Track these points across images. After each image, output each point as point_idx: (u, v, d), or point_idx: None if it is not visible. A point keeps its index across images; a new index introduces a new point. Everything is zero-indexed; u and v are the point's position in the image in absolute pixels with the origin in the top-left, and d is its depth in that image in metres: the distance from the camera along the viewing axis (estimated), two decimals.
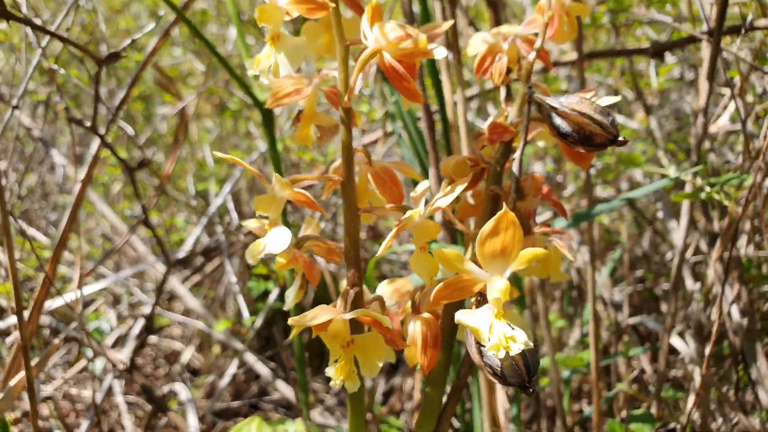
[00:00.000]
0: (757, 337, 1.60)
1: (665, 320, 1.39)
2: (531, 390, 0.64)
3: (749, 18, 1.40)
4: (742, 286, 1.66)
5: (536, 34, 0.74)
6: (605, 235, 2.22)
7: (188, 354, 1.98)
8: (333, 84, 0.71)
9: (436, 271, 0.71)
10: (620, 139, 0.67)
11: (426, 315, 0.72)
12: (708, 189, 1.28)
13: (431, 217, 0.72)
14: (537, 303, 1.60)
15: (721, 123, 1.96)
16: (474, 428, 1.32)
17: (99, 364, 1.56)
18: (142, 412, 1.68)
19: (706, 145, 1.80)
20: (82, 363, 1.72)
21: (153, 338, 2.01)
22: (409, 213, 0.68)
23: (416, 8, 1.54)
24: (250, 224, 0.74)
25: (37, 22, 1.01)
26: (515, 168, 0.70)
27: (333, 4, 0.63)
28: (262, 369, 1.46)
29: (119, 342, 1.89)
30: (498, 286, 0.63)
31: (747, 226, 1.61)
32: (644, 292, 2.15)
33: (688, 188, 1.40)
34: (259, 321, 1.42)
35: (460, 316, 0.64)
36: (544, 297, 1.66)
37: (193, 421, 1.07)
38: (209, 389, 1.79)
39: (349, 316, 0.65)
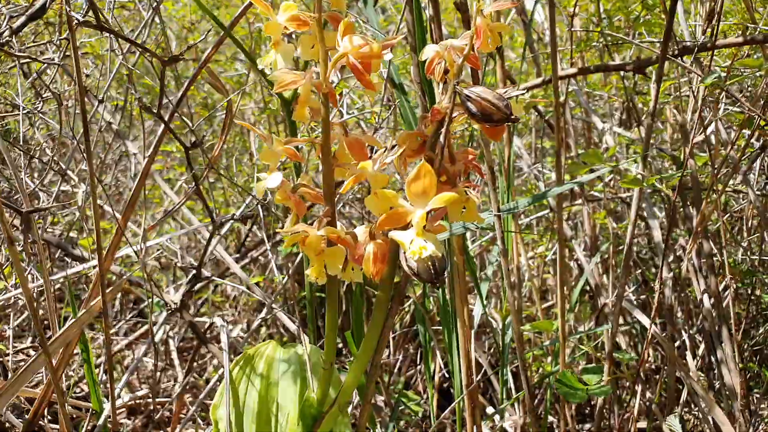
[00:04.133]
0: (725, 323, 1.83)
1: (618, 291, 1.64)
2: (438, 285, 0.93)
3: (703, 37, 1.65)
4: (712, 276, 1.89)
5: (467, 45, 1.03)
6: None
7: (234, 333, 2.33)
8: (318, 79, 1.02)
9: (385, 209, 1.01)
10: (512, 116, 0.96)
11: (378, 240, 1.01)
12: (656, 183, 1.54)
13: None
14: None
15: (707, 133, 2.20)
16: (453, 373, 1.60)
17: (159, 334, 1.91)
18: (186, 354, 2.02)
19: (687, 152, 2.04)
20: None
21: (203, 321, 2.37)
22: (362, 164, 0.98)
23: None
24: (261, 175, 1.05)
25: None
26: (441, 138, 1.00)
27: (314, 22, 0.95)
28: (290, 324, 1.78)
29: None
30: (418, 214, 0.92)
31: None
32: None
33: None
34: (285, 278, 1.74)
35: (393, 233, 0.93)
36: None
37: (224, 338, 1.39)
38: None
39: (320, 232, 0.96)
